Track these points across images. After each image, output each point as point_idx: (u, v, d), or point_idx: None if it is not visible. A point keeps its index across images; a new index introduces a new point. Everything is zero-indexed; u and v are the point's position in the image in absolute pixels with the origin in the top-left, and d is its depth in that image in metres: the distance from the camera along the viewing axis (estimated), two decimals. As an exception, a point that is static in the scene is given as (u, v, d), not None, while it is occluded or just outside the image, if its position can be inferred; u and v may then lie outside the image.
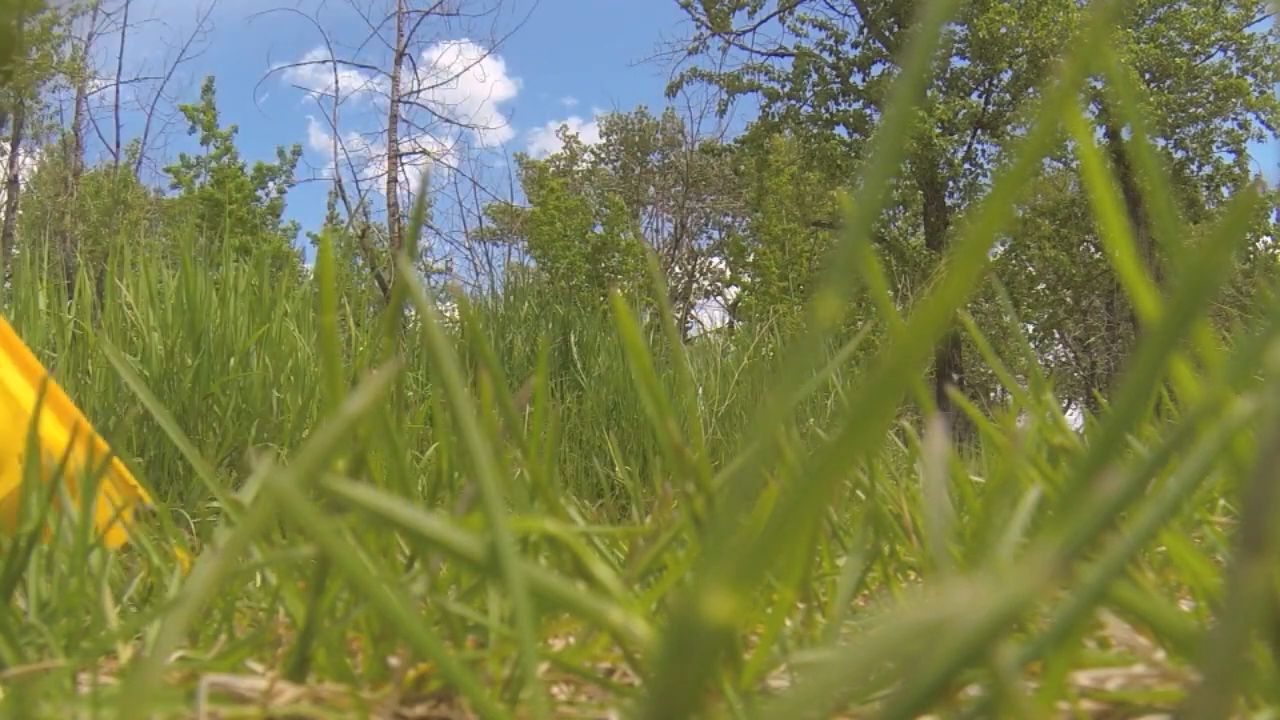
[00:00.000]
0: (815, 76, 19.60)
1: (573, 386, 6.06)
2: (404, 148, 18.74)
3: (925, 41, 0.28)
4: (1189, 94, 18.51)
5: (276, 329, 4.84)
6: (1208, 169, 19.01)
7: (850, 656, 0.24)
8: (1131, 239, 0.52)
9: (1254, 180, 0.44)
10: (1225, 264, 0.31)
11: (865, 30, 19.27)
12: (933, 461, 0.50)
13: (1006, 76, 18.33)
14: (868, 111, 19.40)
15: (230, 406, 4.37)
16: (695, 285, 24.30)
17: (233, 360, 4.49)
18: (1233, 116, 18.72)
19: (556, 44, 37.48)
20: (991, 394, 21.86)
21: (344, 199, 19.16)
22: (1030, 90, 17.92)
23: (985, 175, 18.58)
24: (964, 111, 18.21)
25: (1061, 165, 19.56)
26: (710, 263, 25.31)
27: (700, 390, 5.62)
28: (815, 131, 19.46)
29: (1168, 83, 18.39)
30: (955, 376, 16.46)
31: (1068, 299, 21.49)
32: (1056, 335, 23.75)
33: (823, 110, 19.60)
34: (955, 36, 18.10)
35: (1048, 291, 21.50)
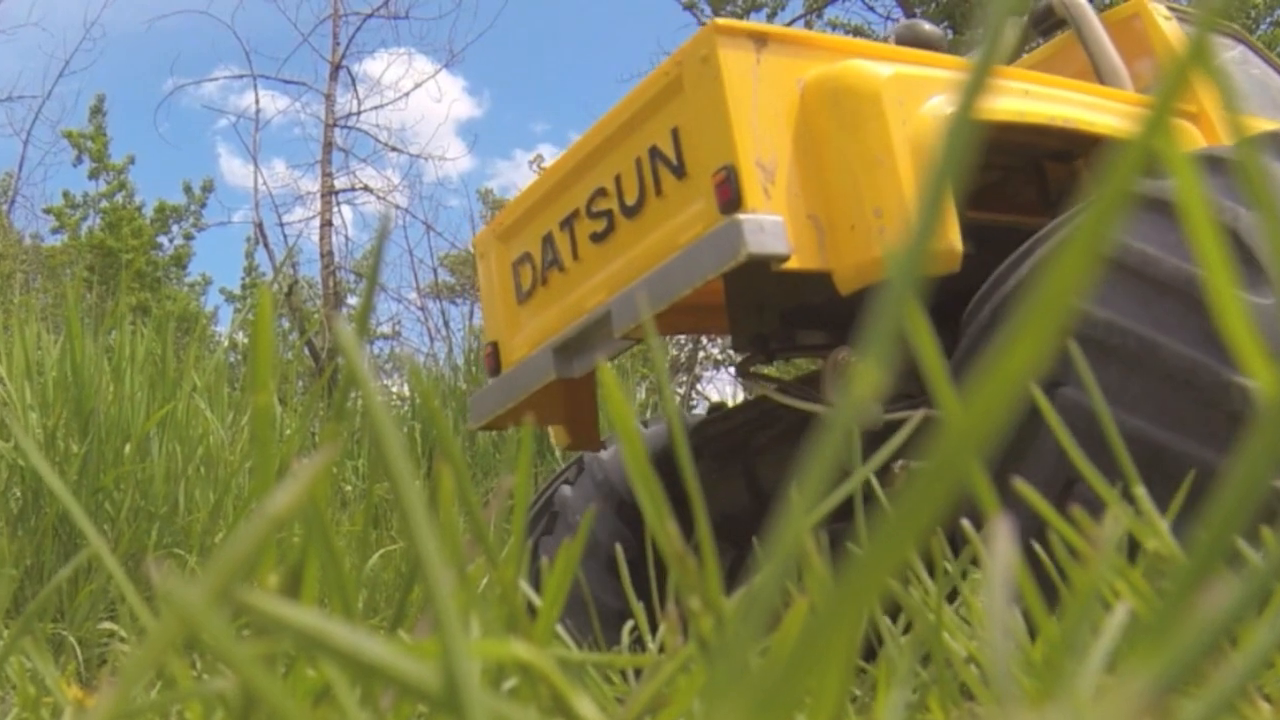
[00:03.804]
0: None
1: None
2: (340, 183, 18.78)
3: (990, 46, 0.28)
4: (1311, 118, 18.60)
5: (183, 408, 4.82)
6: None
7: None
8: (1246, 304, 0.52)
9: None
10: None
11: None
12: (996, 571, 0.51)
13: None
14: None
15: (126, 504, 4.34)
16: (702, 353, 24.27)
17: (129, 447, 4.46)
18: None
19: (527, 55, 37.66)
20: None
21: (266, 246, 19.13)
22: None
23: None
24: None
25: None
26: (721, 325, 25.15)
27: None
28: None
29: (1285, 104, 18.48)
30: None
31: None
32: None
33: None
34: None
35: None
